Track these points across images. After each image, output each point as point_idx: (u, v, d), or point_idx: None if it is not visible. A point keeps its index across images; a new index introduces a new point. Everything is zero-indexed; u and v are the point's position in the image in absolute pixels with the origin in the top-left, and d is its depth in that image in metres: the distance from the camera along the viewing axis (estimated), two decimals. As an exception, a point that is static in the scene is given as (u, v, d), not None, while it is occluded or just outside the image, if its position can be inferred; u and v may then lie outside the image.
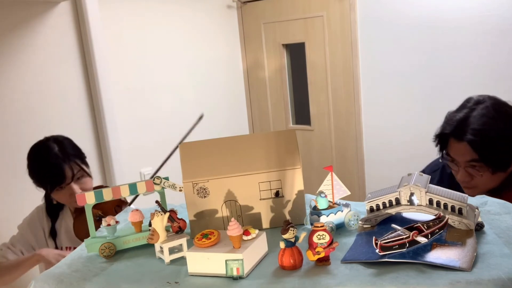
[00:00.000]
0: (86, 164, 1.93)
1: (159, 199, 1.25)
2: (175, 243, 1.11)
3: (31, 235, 1.95)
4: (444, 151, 1.60)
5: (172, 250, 1.11)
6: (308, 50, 3.60)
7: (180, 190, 1.24)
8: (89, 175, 1.91)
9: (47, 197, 1.97)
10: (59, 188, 1.83)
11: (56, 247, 1.94)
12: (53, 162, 1.80)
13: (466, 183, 1.55)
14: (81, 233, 1.88)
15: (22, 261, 1.83)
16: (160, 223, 1.10)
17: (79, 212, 1.91)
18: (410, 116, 3.22)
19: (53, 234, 1.95)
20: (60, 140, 1.88)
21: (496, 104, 1.52)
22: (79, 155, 1.89)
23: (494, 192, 1.54)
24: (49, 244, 1.96)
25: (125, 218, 1.35)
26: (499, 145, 1.46)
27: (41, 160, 1.84)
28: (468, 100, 1.57)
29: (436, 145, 1.62)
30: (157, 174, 1.32)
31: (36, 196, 2.00)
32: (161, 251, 1.12)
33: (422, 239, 0.97)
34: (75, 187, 1.84)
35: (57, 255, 1.76)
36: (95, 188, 1.96)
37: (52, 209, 1.98)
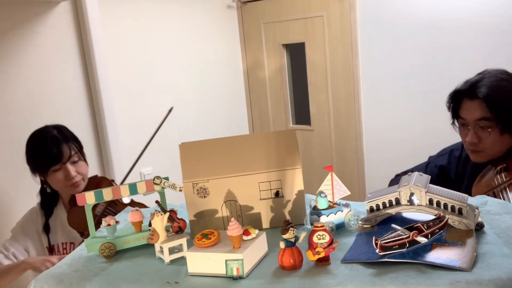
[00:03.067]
0: (83, 152, 1.97)
1: (159, 199, 1.25)
2: (175, 243, 1.11)
3: (25, 238, 1.96)
4: (455, 117, 1.64)
5: (172, 250, 1.11)
6: (308, 50, 3.60)
7: (180, 190, 1.24)
8: (85, 161, 1.96)
9: (42, 191, 1.99)
10: (55, 170, 1.86)
11: (50, 244, 1.95)
12: (51, 141, 1.86)
13: (474, 145, 1.57)
14: (74, 222, 1.90)
15: (10, 268, 1.84)
16: (160, 223, 1.10)
17: (73, 203, 1.91)
18: (410, 116, 3.22)
19: (47, 229, 1.96)
20: (58, 126, 1.95)
21: (508, 72, 1.60)
22: (76, 140, 1.95)
23: (499, 159, 1.56)
24: (43, 241, 1.96)
25: (125, 218, 1.35)
26: (510, 104, 1.50)
27: (40, 140, 1.89)
28: (482, 71, 1.63)
29: (449, 108, 1.65)
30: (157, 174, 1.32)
31: (36, 194, 2.00)
32: (161, 251, 1.12)
33: (422, 239, 0.97)
34: (71, 168, 1.87)
35: (43, 261, 1.76)
36: (91, 178, 1.99)
37: (47, 204, 1.99)
